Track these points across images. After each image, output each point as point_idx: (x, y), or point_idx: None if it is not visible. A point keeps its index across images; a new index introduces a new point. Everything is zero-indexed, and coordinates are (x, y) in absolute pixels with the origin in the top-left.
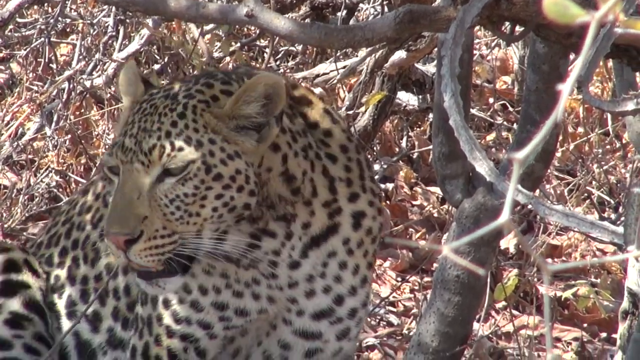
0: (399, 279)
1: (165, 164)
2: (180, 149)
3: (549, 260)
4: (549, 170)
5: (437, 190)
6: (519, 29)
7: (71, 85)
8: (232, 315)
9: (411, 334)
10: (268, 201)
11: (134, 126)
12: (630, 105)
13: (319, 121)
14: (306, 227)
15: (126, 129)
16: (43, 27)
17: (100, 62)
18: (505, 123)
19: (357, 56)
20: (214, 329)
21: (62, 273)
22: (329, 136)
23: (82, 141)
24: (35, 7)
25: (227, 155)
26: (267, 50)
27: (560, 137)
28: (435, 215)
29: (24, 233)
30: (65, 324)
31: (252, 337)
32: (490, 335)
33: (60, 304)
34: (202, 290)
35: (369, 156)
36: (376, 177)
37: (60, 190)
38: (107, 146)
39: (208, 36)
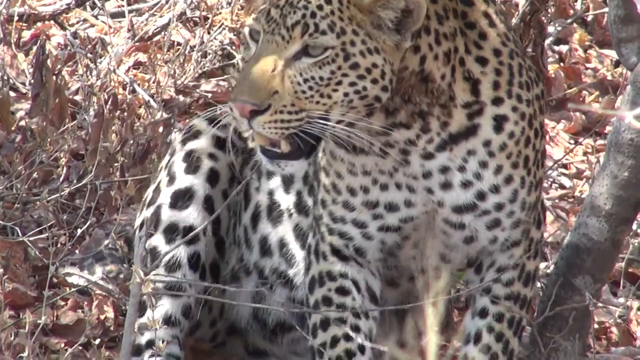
0: (572, 141)
1: (305, 42)
2: (323, 33)
3: None
4: None
5: (611, 53)
6: None
7: None
8: (383, 212)
9: (583, 196)
10: (405, 96)
11: None
12: None
13: (477, 22)
14: (445, 125)
15: None
16: None
17: None
18: None
19: None
20: (368, 228)
21: None
22: (484, 39)
23: None
24: None
25: (367, 49)
26: None
27: None
28: (609, 78)
29: (197, 90)
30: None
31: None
32: None
33: None
34: (351, 191)
35: (544, 18)
36: (550, 39)
37: (234, 47)
38: None
39: None
